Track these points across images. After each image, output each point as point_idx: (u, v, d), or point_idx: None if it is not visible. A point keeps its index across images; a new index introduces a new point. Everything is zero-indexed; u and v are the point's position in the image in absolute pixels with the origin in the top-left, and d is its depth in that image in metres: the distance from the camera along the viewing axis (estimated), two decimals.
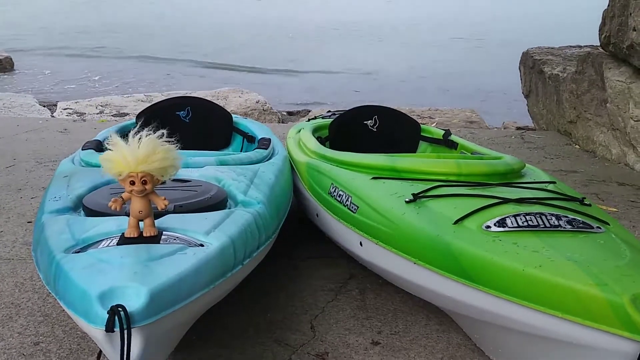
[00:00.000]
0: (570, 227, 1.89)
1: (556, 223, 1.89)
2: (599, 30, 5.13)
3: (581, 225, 1.91)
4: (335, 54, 15.04)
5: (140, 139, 1.68)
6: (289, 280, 2.70)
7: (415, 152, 3.61)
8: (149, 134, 1.69)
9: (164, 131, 1.74)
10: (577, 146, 5.46)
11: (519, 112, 7.93)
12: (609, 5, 4.98)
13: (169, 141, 1.75)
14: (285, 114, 8.09)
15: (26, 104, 7.48)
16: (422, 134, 3.64)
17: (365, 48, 15.89)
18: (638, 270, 1.64)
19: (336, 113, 3.99)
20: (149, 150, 1.66)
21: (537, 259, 1.71)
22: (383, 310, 2.44)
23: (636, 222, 3.55)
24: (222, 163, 2.62)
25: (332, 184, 2.60)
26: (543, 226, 1.88)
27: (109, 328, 1.42)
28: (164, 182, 1.76)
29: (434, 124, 6.68)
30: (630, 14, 4.46)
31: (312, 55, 14.97)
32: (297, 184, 3.04)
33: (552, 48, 6.63)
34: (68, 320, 2.27)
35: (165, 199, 1.73)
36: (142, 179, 1.67)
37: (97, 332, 1.46)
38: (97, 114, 7.06)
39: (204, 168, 2.51)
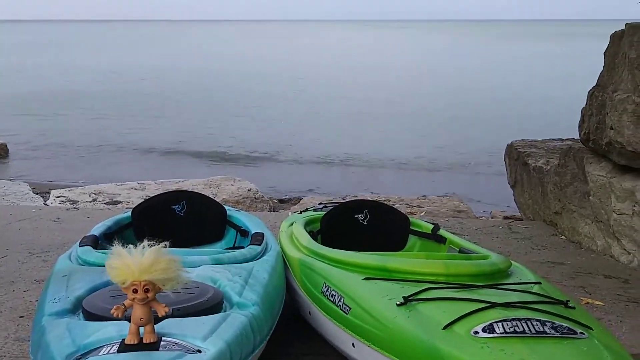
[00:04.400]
0: (555, 332, 1.96)
1: (541, 329, 1.97)
2: (579, 127, 5.37)
3: (566, 331, 1.98)
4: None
5: (144, 247, 1.76)
6: None
7: (404, 246, 3.70)
8: (153, 244, 1.78)
9: (167, 243, 1.82)
10: (563, 237, 5.56)
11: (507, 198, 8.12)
12: (586, 104, 5.24)
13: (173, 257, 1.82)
14: (276, 201, 8.22)
15: (20, 192, 7.57)
16: (411, 227, 3.74)
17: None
18: None
19: (328, 205, 4.10)
20: (152, 259, 1.74)
21: None
22: None
23: (623, 316, 3.60)
24: (217, 262, 2.68)
25: (324, 283, 2.66)
26: (529, 332, 1.95)
27: None
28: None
29: (423, 213, 6.81)
30: (607, 113, 4.69)
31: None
32: (289, 280, 3.09)
33: (535, 141, 6.88)
34: None
35: (166, 306, 1.79)
36: (145, 287, 1.74)
37: None
38: (90, 202, 7.14)
39: (200, 268, 2.57)
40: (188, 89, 25.37)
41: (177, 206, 3.80)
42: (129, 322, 1.82)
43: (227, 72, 32.76)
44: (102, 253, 2.74)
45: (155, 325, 1.85)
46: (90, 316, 2.09)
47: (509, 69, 33.78)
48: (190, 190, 4.72)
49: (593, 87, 5.19)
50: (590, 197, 5.07)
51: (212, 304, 2.18)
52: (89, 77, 30.00)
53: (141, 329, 1.81)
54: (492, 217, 7.17)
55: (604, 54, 5.07)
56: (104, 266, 1.93)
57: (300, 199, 8.07)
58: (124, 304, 1.77)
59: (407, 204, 7.08)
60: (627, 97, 4.48)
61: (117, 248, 1.80)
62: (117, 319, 1.89)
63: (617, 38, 4.86)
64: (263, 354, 2.32)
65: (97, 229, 3.36)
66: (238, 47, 59.69)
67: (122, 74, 32.01)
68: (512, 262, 2.81)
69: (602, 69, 5.10)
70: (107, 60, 41.23)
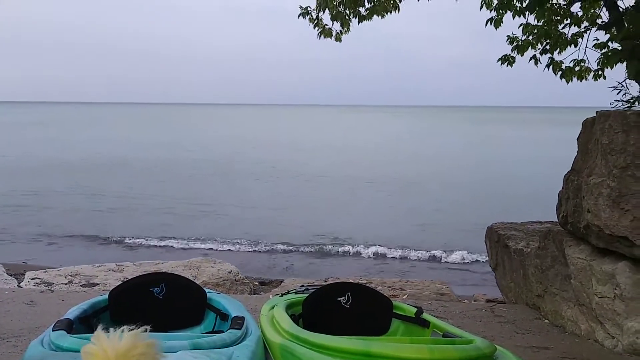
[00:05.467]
0: None
1: None
2: (557, 210, 5.45)
3: None
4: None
5: (122, 332, 1.71)
6: None
7: (387, 330, 3.63)
8: (131, 329, 1.73)
9: (147, 327, 1.77)
10: (546, 320, 5.51)
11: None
12: (563, 187, 5.35)
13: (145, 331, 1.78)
14: (257, 284, 8.09)
15: None
16: (394, 311, 3.69)
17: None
18: None
19: (310, 288, 4.05)
20: (129, 345, 1.69)
21: None
22: None
23: None
24: (196, 347, 2.61)
25: None
26: None
27: None
28: None
29: (405, 296, 6.74)
30: (584, 197, 4.78)
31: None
32: None
33: (514, 223, 6.95)
34: None
35: None
36: None
37: None
38: (66, 284, 6.97)
39: (178, 353, 2.49)
40: (169, 171, 25.50)
41: (156, 289, 3.73)
42: None
43: (209, 153, 33.11)
44: (76, 338, 2.65)
45: None
46: None
47: (494, 153, 34.66)
48: (169, 272, 4.65)
49: (569, 172, 5.31)
50: (572, 280, 5.08)
51: None
52: (70, 155, 30.16)
53: None
54: (474, 300, 7.12)
55: (577, 139, 5.23)
56: (78, 352, 1.86)
57: (282, 281, 7.96)
58: None
59: (390, 287, 7.02)
60: (601, 182, 4.59)
61: (98, 332, 1.75)
62: None
63: (588, 124, 5.04)
64: None
65: (71, 313, 3.27)
66: (218, 129, 60.74)
67: (103, 153, 32.22)
68: (497, 346, 2.76)
69: (576, 154, 5.24)
70: (89, 138, 41.69)
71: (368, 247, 12.71)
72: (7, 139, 41.32)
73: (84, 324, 3.20)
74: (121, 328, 1.74)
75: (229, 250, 12.53)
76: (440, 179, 23.37)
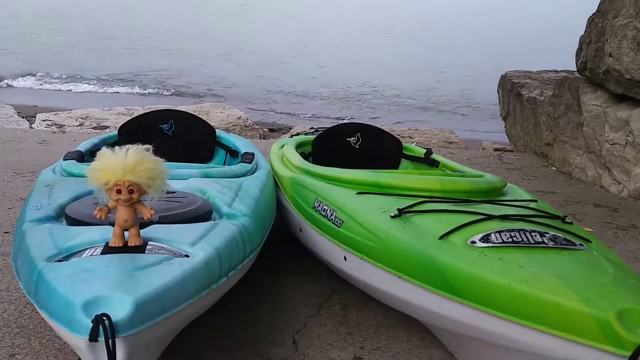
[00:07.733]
0: (553, 243, 1.93)
1: (540, 239, 1.93)
2: (576, 56, 5.25)
3: (564, 242, 1.95)
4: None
5: (127, 149, 1.68)
6: (271, 295, 2.69)
7: (397, 169, 3.64)
8: (136, 146, 1.70)
9: (150, 146, 1.74)
10: (553, 168, 5.55)
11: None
12: (585, 32, 5.11)
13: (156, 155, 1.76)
14: (266, 130, 8.10)
15: (4, 115, 7.39)
16: (403, 152, 3.68)
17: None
18: (622, 287, 1.68)
19: (319, 130, 4.01)
20: (136, 159, 1.66)
21: (522, 274, 1.74)
22: (365, 325, 2.44)
23: (612, 242, 3.61)
24: (206, 176, 2.61)
25: (316, 198, 2.60)
26: (527, 242, 1.91)
27: (93, 337, 1.39)
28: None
29: (414, 143, 6.75)
30: (607, 40, 4.57)
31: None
32: (280, 199, 3.04)
33: (529, 72, 6.77)
34: (45, 332, 2.23)
35: (151, 208, 1.72)
36: (129, 188, 1.67)
37: (80, 342, 1.44)
38: (77, 126, 7.00)
39: (189, 180, 2.50)
40: (180, 23, 24.71)
41: (165, 125, 3.70)
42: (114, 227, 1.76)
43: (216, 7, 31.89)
44: (87, 165, 2.66)
45: (141, 230, 1.79)
46: (73, 222, 2.02)
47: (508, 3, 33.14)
48: (178, 109, 4.60)
49: (593, 14, 5.05)
50: (584, 128, 5.02)
51: (200, 213, 2.12)
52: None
53: (126, 234, 1.75)
54: (482, 149, 7.13)
55: None
56: None
57: (291, 128, 7.96)
58: (107, 206, 1.70)
59: (399, 135, 6.99)
60: (628, 23, 4.36)
61: (103, 150, 1.73)
62: (100, 223, 1.83)
63: None
64: (250, 269, 2.28)
65: (82, 146, 3.29)
66: None
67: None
68: (507, 183, 2.76)
69: None
70: None
71: (379, 95, 12.57)
72: None
73: (94, 155, 3.21)
74: (126, 147, 1.70)
75: (238, 97, 12.44)
76: (453, 26, 22.55)
